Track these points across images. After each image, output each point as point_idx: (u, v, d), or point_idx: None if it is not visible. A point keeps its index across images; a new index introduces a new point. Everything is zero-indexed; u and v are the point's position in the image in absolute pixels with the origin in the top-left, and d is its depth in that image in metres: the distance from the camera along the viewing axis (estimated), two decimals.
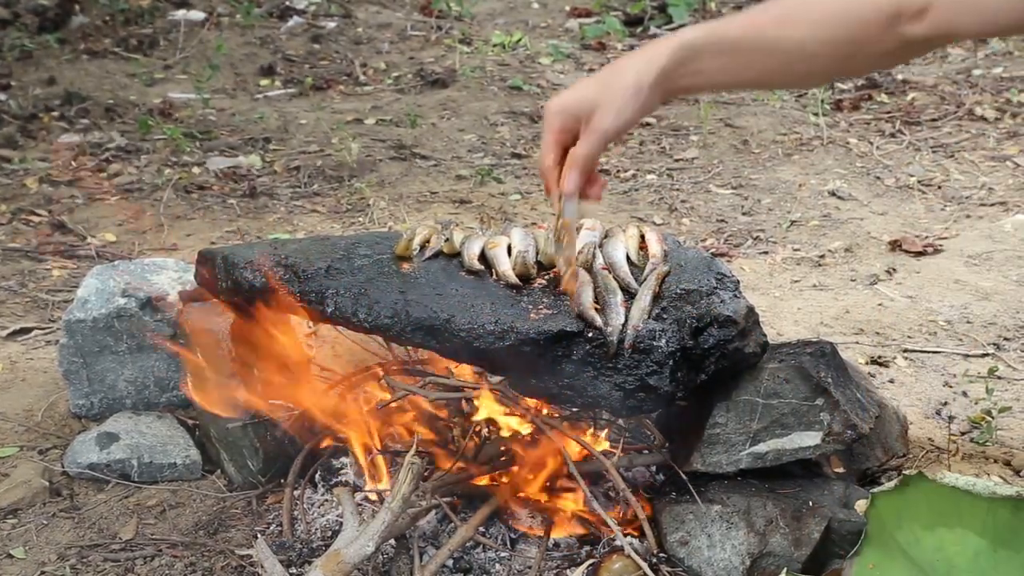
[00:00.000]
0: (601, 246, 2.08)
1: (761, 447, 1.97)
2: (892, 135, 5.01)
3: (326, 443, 2.29)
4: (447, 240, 2.09)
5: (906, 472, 1.62)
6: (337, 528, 2.03)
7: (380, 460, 2.20)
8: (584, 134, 1.58)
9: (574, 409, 2.14)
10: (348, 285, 1.96)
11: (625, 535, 1.94)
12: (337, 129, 5.11)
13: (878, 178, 4.47)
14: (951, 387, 2.73)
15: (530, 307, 1.88)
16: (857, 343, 2.99)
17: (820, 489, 1.99)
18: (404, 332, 1.88)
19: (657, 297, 1.91)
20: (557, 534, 2.02)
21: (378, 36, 7.00)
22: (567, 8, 7.74)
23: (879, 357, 2.89)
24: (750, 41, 1.45)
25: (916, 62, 6.24)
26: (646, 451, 2.20)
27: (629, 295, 1.91)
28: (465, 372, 2.27)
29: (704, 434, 1.98)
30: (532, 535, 2.03)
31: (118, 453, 2.30)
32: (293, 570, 1.91)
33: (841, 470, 2.10)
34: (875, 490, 1.64)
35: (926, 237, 3.78)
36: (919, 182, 4.37)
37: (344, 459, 2.26)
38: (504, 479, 2.11)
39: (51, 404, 2.54)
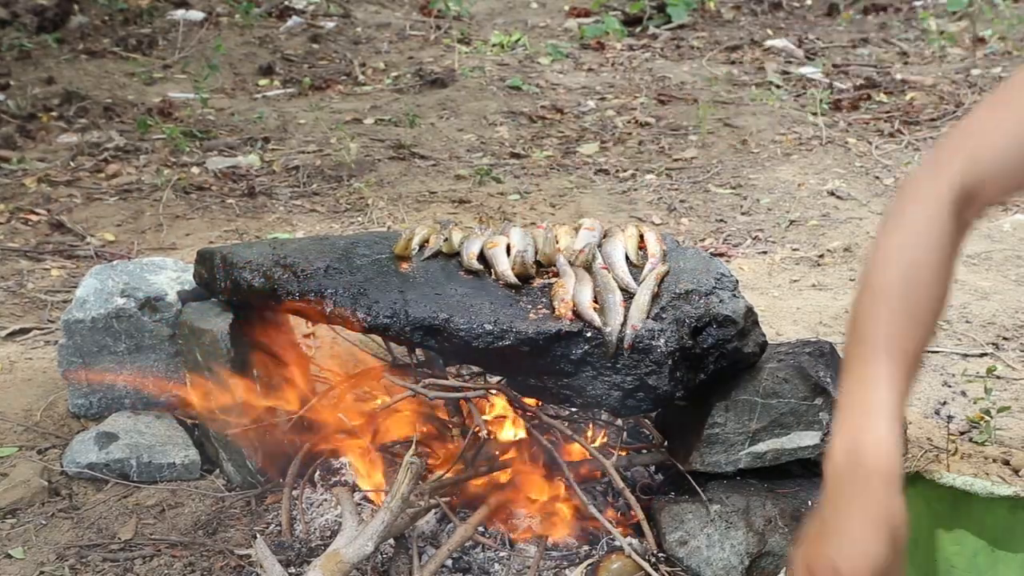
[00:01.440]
0: (600, 246, 2.08)
1: (760, 447, 1.97)
2: (891, 135, 5.01)
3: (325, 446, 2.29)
4: (446, 240, 2.09)
5: (904, 471, 1.62)
6: (336, 528, 2.03)
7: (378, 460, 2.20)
8: None
9: (573, 409, 2.14)
10: (347, 285, 1.96)
11: (624, 535, 1.94)
12: (336, 129, 5.11)
13: (877, 178, 4.47)
14: (950, 387, 2.73)
15: (529, 307, 1.89)
16: None
17: (819, 489, 1.98)
18: (403, 332, 1.88)
19: (656, 297, 1.91)
20: (556, 535, 2.02)
21: (377, 36, 7.00)
22: (566, 8, 7.74)
23: None
24: (908, 320, 1.32)
25: (915, 62, 6.25)
26: (645, 451, 2.20)
27: (628, 295, 1.91)
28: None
29: (703, 434, 1.98)
30: (530, 537, 2.03)
31: (117, 453, 2.30)
32: (292, 570, 1.91)
33: None
34: None
35: None
36: None
37: (344, 459, 2.26)
38: (503, 480, 2.11)
39: (50, 404, 2.53)
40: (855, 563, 1.19)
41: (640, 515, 1.96)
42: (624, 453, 2.22)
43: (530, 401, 2.09)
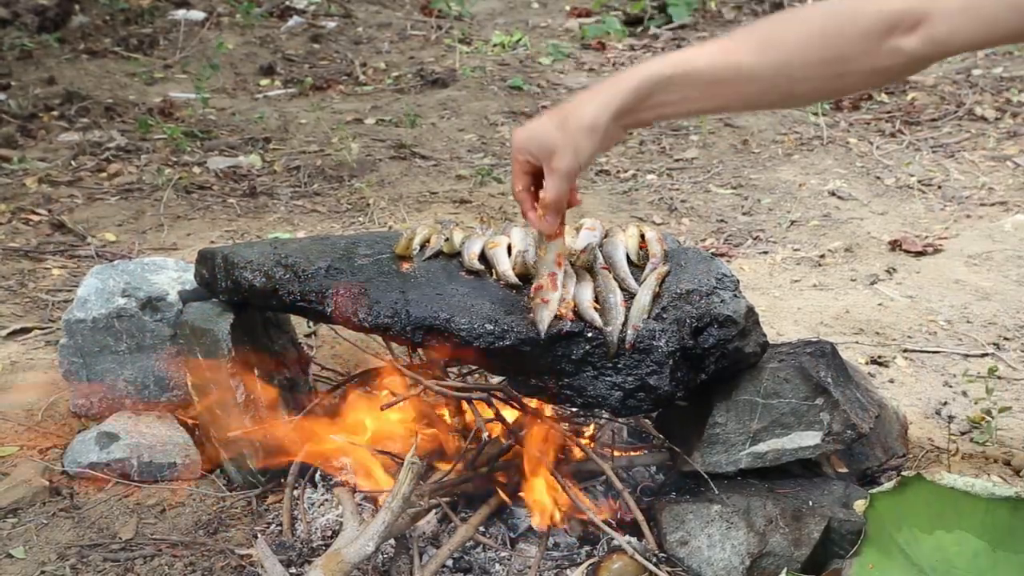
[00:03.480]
0: (601, 246, 2.08)
1: (761, 447, 1.97)
2: (892, 135, 5.01)
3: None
4: (447, 240, 2.09)
5: (905, 472, 1.62)
6: (337, 528, 2.03)
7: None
8: (548, 176, 1.57)
9: (574, 409, 2.14)
10: (348, 284, 1.96)
11: (624, 535, 1.94)
12: (337, 129, 5.11)
13: (878, 178, 4.47)
14: (951, 387, 2.73)
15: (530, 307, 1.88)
16: (857, 343, 2.99)
17: (820, 489, 1.99)
18: (404, 332, 1.88)
19: (657, 297, 1.91)
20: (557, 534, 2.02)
21: (378, 36, 7.00)
22: (567, 8, 7.74)
23: (879, 357, 2.90)
24: (722, 71, 1.37)
25: None
26: (645, 451, 2.20)
27: (629, 295, 1.91)
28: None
29: (704, 434, 1.99)
30: (532, 534, 2.03)
31: (118, 453, 2.30)
32: (293, 570, 1.91)
33: (841, 470, 2.10)
34: (875, 490, 1.64)
35: (926, 237, 3.78)
36: (919, 182, 4.37)
37: (344, 459, 2.26)
38: (503, 480, 2.11)
39: (51, 404, 2.54)
40: (528, 135, 1.56)
41: (638, 516, 1.96)
42: (624, 454, 2.22)
43: (530, 402, 2.10)
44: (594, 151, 1.51)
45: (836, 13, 1.34)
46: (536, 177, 1.63)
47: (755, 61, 1.35)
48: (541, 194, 1.62)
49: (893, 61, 1.31)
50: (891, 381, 2.77)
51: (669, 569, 1.87)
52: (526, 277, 1.96)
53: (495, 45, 6.76)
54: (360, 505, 2.08)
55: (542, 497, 2.05)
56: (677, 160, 4.79)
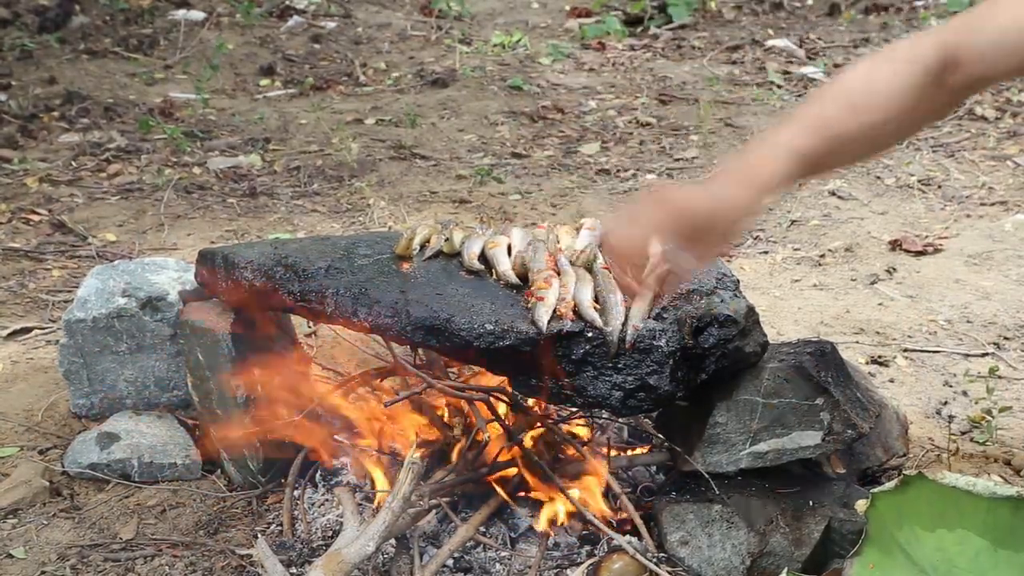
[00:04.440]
0: (601, 246, 2.08)
1: (761, 446, 1.97)
2: None
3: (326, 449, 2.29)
4: (447, 240, 2.09)
5: (906, 472, 1.62)
6: (337, 528, 2.03)
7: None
8: (690, 249, 1.54)
9: (574, 409, 2.13)
10: (348, 285, 1.96)
11: (624, 534, 1.94)
12: (337, 129, 5.11)
13: (878, 177, 4.47)
14: (951, 387, 2.73)
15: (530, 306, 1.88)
16: (857, 343, 2.99)
17: (820, 489, 1.99)
18: (404, 332, 1.88)
19: (657, 297, 1.91)
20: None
21: (378, 36, 7.00)
22: (567, 8, 7.74)
23: (879, 357, 2.89)
24: (828, 144, 1.47)
25: None
26: (645, 451, 2.20)
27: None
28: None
29: (704, 433, 1.98)
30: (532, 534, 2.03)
31: (118, 453, 2.30)
32: (293, 570, 1.91)
33: (841, 470, 2.10)
34: (875, 490, 1.64)
35: (926, 237, 3.78)
36: (919, 181, 4.37)
37: (344, 459, 2.26)
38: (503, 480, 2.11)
39: (51, 404, 2.54)
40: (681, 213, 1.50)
41: (635, 517, 1.96)
42: (622, 453, 2.22)
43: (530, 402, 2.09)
44: (734, 241, 1.60)
45: (896, 74, 1.47)
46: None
47: (850, 127, 1.47)
48: (672, 262, 1.57)
49: (946, 101, 1.46)
50: (891, 381, 2.77)
51: (670, 569, 1.87)
52: (526, 277, 1.96)
53: (495, 45, 6.76)
54: (360, 505, 2.08)
55: (543, 498, 2.05)
56: (677, 160, 4.79)
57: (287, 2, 7.33)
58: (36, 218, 4.00)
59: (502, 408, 2.12)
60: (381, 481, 2.15)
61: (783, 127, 1.50)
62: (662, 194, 1.54)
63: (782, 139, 1.48)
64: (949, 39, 1.42)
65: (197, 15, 6.88)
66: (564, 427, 2.20)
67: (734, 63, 6.42)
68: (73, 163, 4.63)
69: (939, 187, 4.32)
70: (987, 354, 2.91)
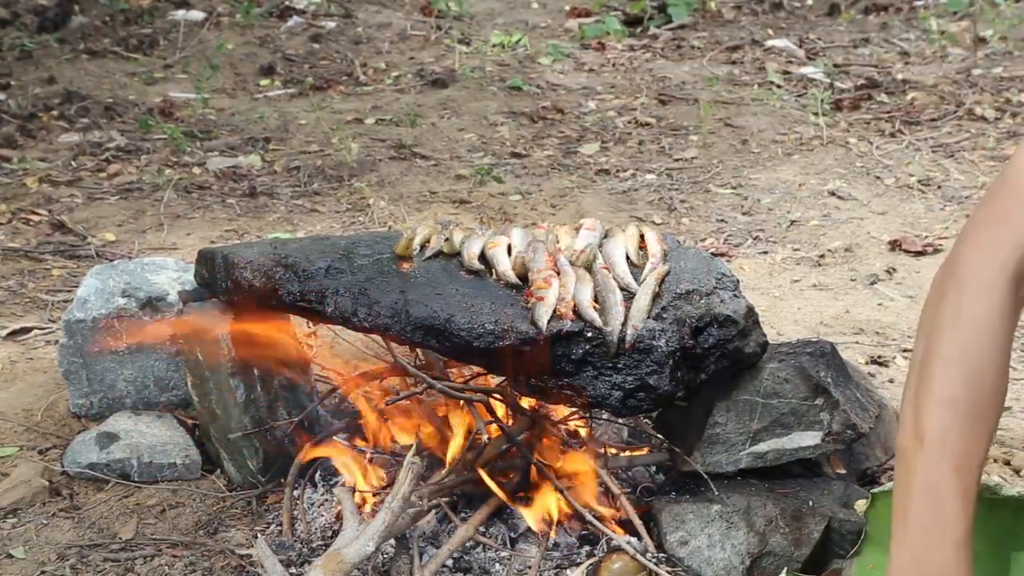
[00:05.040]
0: (601, 246, 2.08)
1: (761, 447, 1.97)
2: (892, 135, 5.01)
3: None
4: (447, 240, 2.09)
5: None
6: (337, 528, 2.03)
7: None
8: None
9: (574, 409, 2.13)
10: (348, 285, 1.96)
11: (624, 535, 1.94)
12: (337, 129, 5.10)
13: (878, 178, 4.47)
14: None
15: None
16: (857, 343, 2.99)
17: (820, 489, 1.99)
18: (404, 332, 1.88)
19: (657, 297, 1.91)
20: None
21: (378, 36, 7.00)
22: (566, 8, 7.74)
23: (879, 357, 2.89)
24: (969, 440, 1.26)
25: (916, 62, 6.25)
26: (645, 451, 2.20)
27: (629, 295, 1.91)
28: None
29: (704, 434, 1.98)
30: (532, 535, 2.03)
31: (118, 453, 2.30)
32: (293, 570, 1.91)
33: (841, 470, 2.10)
34: (875, 490, 1.64)
35: (926, 237, 3.78)
36: (919, 182, 4.37)
37: (345, 459, 2.26)
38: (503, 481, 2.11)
39: (51, 404, 2.53)
40: None
41: (634, 518, 1.96)
42: (620, 452, 2.22)
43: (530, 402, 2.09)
44: None
45: (982, 318, 1.27)
46: None
47: (973, 406, 1.27)
48: None
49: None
50: (891, 381, 2.77)
51: (669, 569, 1.87)
52: (526, 277, 1.96)
53: (495, 45, 6.76)
54: (359, 505, 2.08)
55: (541, 499, 2.05)
56: (677, 160, 4.79)
57: (287, 2, 7.33)
58: (36, 218, 4.00)
59: (500, 409, 2.13)
60: (362, 481, 2.15)
61: (917, 445, 1.27)
62: None
63: (936, 462, 1.25)
64: (1009, 258, 1.25)
65: (197, 15, 6.87)
66: (563, 427, 2.20)
67: (734, 63, 6.42)
68: (73, 163, 4.62)
69: (939, 187, 4.32)
70: None
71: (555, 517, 2.02)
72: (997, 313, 1.26)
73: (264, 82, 6.05)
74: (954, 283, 1.28)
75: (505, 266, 1.99)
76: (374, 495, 2.12)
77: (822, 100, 5.33)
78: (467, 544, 1.96)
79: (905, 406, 1.30)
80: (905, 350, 2.94)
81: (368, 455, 2.22)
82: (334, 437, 2.28)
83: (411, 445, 2.00)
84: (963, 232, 1.32)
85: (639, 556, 1.86)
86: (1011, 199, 1.28)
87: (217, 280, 2.15)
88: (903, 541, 1.25)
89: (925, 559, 1.24)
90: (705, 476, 1.97)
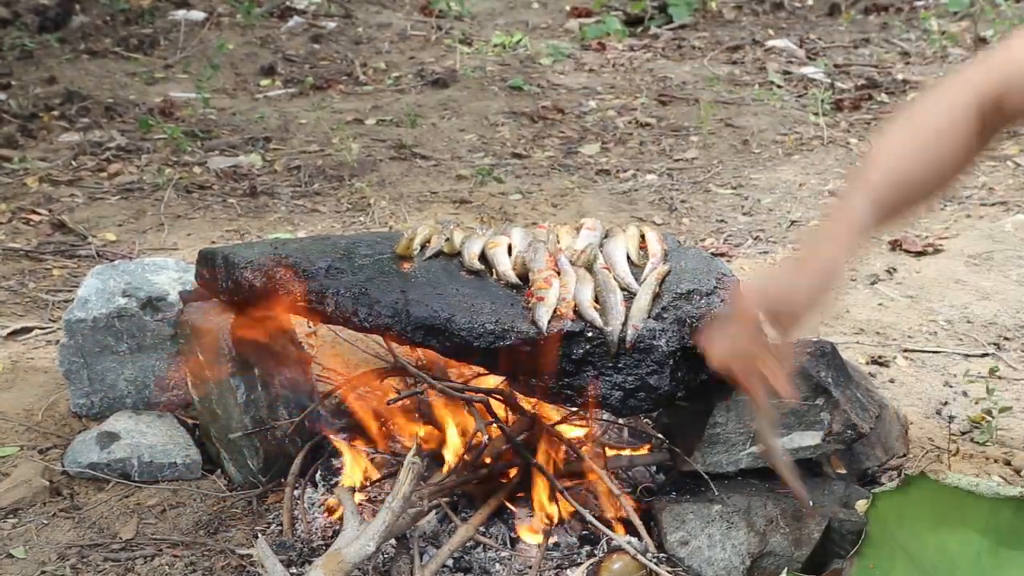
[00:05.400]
0: (601, 246, 2.08)
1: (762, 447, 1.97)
2: None
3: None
4: (447, 240, 2.09)
5: (907, 472, 1.62)
6: (337, 528, 2.03)
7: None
8: (779, 336, 1.63)
9: (574, 408, 2.13)
10: (349, 284, 1.96)
11: (625, 534, 1.94)
12: (337, 129, 5.11)
13: None
14: (951, 387, 2.73)
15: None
16: (857, 343, 2.99)
17: (820, 489, 1.98)
18: (405, 331, 1.88)
19: (657, 296, 1.91)
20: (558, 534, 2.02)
21: (378, 36, 7.00)
22: (567, 8, 7.74)
23: (879, 357, 2.89)
24: (897, 194, 1.54)
25: (916, 62, 6.25)
26: (646, 451, 2.20)
27: (629, 295, 1.91)
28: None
29: (704, 434, 1.98)
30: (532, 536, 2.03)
31: (118, 453, 2.30)
32: (293, 569, 1.91)
33: (842, 470, 2.10)
34: (877, 490, 1.64)
35: (926, 237, 3.78)
36: None
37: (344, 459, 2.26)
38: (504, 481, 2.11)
39: (51, 404, 2.53)
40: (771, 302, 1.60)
41: (634, 519, 1.95)
42: (621, 452, 2.22)
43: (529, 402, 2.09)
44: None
45: (952, 119, 1.51)
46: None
47: (915, 175, 1.54)
48: (777, 369, 1.67)
49: (992, 135, 1.52)
50: (891, 381, 2.77)
51: (669, 569, 1.87)
52: (526, 277, 1.96)
53: (495, 45, 6.76)
54: (360, 505, 2.08)
55: (541, 499, 2.05)
56: (677, 160, 4.79)
57: (287, 2, 7.33)
58: (36, 218, 4.00)
59: (500, 409, 2.13)
60: (349, 479, 2.15)
61: (854, 183, 1.56)
62: (740, 308, 1.65)
63: (859, 201, 1.53)
64: (991, 77, 1.46)
65: (197, 15, 6.88)
66: (563, 427, 2.20)
67: (734, 63, 6.42)
68: (73, 163, 4.62)
69: None
70: (987, 354, 2.91)
71: (555, 517, 2.02)
72: (959, 107, 1.47)
73: (265, 82, 6.06)
74: (936, 85, 1.54)
75: (506, 266, 1.99)
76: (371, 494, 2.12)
77: (822, 100, 5.33)
78: (467, 544, 1.96)
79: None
80: (905, 350, 2.94)
81: (369, 455, 2.22)
82: (334, 437, 2.28)
83: (411, 445, 2.00)
84: None
85: (639, 556, 1.86)
86: (1003, 49, 1.49)
87: (218, 280, 2.15)
88: (803, 248, 1.65)
89: (799, 278, 1.57)
90: (705, 476, 1.97)
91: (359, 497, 2.10)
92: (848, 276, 1.60)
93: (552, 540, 2.00)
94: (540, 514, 2.03)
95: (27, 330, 3.04)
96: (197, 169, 4.60)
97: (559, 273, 1.96)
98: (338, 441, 2.24)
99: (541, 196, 4.31)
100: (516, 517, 2.06)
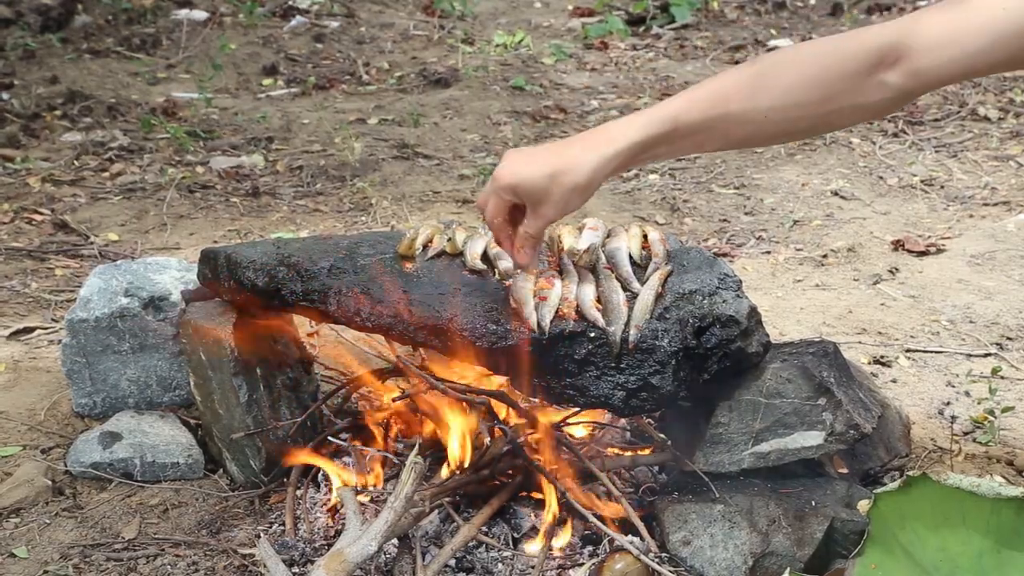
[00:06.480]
0: (604, 246, 2.08)
1: (763, 447, 1.97)
2: (895, 135, 5.00)
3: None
4: (450, 239, 2.09)
5: (909, 472, 1.62)
6: (340, 528, 2.03)
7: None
8: (530, 216, 1.63)
9: (576, 409, 2.13)
10: (351, 284, 1.96)
11: (627, 535, 1.94)
12: (340, 128, 5.11)
13: (881, 178, 4.47)
14: (954, 387, 2.73)
15: None
16: (860, 343, 2.99)
17: (823, 489, 1.98)
18: (407, 331, 1.88)
19: (660, 297, 1.91)
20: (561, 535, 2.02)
21: (381, 36, 7.00)
22: (569, 7, 7.74)
23: (882, 357, 2.89)
24: (714, 120, 1.44)
25: None
26: (648, 451, 2.20)
27: (631, 295, 1.91)
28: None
29: (707, 434, 1.98)
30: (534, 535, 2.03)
31: (121, 452, 2.30)
32: (296, 569, 1.91)
33: (844, 470, 2.10)
34: (879, 490, 1.64)
35: (929, 237, 3.78)
36: (922, 182, 4.37)
37: (347, 459, 2.26)
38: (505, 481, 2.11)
39: (54, 403, 2.54)
40: (517, 177, 1.58)
41: (635, 519, 1.95)
42: (624, 452, 2.22)
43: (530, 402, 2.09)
44: (581, 204, 1.60)
45: (822, 54, 1.42)
46: (513, 209, 1.66)
47: (747, 107, 1.41)
48: (520, 229, 1.66)
49: (880, 96, 1.37)
50: (894, 381, 2.76)
51: (672, 569, 1.87)
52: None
53: (497, 45, 6.76)
54: (363, 505, 2.08)
55: (543, 500, 2.05)
56: (679, 160, 4.79)
57: (290, 2, 7.34)
58: (39, 218, 4.00)
59: (503, 410, 2.12)
60: (337, 480, 2.15)
61: (681, 93, 1.49)
62: (507, 160, 1.60)
63: (666, 105, 1.47)
64: (887, 33, 1.35)
65: (200, 15, 6.88)
66: (565, 428, 2.20)
67: (737, 63, 6.42)
68: (75, 162, 4.63)
69: (942, 187, 4.32)
70: (990, 354, 2.91)
71: (553, 515, 2.02)
72: (833, 50, 1.37)
73: (267, 82, 6.06)
74: (834, 36, 1.44)
75: (508, 265, 1.99)
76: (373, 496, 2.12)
77: None
78: (470, 544, 1.96)
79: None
80: (908, 350, 2.94)
81: (369, 455, 2.22)
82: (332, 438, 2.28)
83: (413, 445, 2.00)
84: None
85: (642, 556, 1.86)
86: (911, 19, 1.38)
87: (220, 280, 2.15)
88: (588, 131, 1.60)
89: (566, 154, 1.55)
90: (705, 478, 1.96)
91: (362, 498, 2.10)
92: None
93: (554, 540, 2.00)
94: (542, 514, 2.03)
95: (29, 330, 3.04)
96: (199, 169, 4.60)
97: (561, 273, 1.96)
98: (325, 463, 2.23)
99: None
100: (518, 517, 2.06)
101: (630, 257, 2.04)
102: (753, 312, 1.97)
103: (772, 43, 6.70)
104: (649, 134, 1.48)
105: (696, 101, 1.45)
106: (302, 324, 2.60)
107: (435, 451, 2.18)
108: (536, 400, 2.08)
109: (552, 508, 2.01)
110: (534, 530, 2.03)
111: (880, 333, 3.06)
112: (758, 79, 1.41)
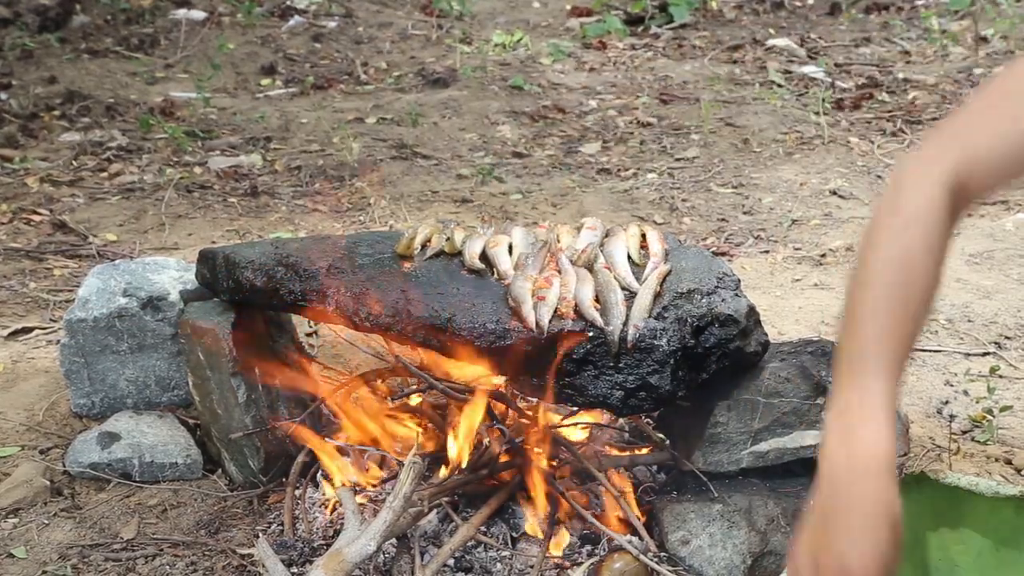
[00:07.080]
0: (602, 245, 2.08)
1: (762, 446, 1.97)
2: (893, 134, 5.00)
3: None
4: (448, 239, 2.09)
5: (907, 471, 1.62)
6: (338, 527, 2.03)
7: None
8: None
9: (575, 408, 2.13)
10: (349, 284, 1.96)
11: (625, 534, 1.94)
12: (338, 128, 5.11)
13: (879, 177, 4.46)
14: (952, 386, 2.73)
15: None
16: None
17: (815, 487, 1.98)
18: (405, 331, 1.88)
19: (658, 296, 1.91)
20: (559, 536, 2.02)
21: (379, 36, 7.00)
22: (568, 7, 7.74)
23: None
24: (909, 344, 1.31)
25: (917, 61, 6.24)
26: (647, 451, 2.20)
27: (630, 294, 1.91)
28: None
29: (705, 433, 1.98)
30: (533, 535, 2.03)
31: (119, 452, 2.30)
32: (294, 569, 1.91)
33: None
34: None
35: None
36: None
37: (346, 459, 2.26)
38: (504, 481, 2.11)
39: (52, 404, 2.53)
40: (864, 558, 1.23)
41: (634, 520, 1.95)
42: (623, 453, 2.22)
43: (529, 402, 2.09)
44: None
45: (911, 223, 1.34)
46: None
47: (919, 306, 1.34)
48: None
49: (964, 215, 1.38)
50: None
51: (670, 568, 1.87)
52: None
53: (496, 45, 6.76)
54: (361, 505, 2.08)
55: (542, 500, 2.05)
56: (678, 159, 4.79)
57: (288, 2, 7.33)
58: (37, 218, 4.00)
59: (501, 409, 2.12)
60: (337, 480, 2.15)
61: (846, 332, 1.32)
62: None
63: (860, 344, 1.29)
64: (950, 169, 1.31)
65: (198, 14, 6.87)
66: (564, 428, 2.20)
67: (735, 62, 6.42)
68: (74, 163, 4.62)
69: None
70: (988, 353, 2.91)
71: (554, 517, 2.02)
72: (932, 210, 1.32)
73: (265, 81, 6.06)
74: (898, 183, 1.36)
75: (507, 265, 1.99)
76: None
77: (823, 99, 5.33)
78: (468, 543, 1.96)
79: (845, 297, 1.37)
80: None
81: (368, 455, 2.22)
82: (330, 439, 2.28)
83: (412, 445, 2.00)
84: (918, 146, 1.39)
85: (640, 555, 1.86)
86: (961, 119, 1.37)
87: (218, 280, 2.15)
88: (834, 418, 1.27)
89: (855, 435, 1.28)
90: (703, 477, 1.96)
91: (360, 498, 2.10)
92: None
93: (553, 540, 2.00)
94: (540, 514, 2.03)
95: (28, 330, 3.04)
96: (198, 169, 4.60)
97: (560, 273, 1.95)
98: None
99: (542, 195, 4.31)
100: (517, 517, 2.06)
101: (628, 256, 2.04)
102: (752, 311, 1.97)
103: (770, 42, 6.70)
104: (894, 387, 1.29)
105: (878, 314, 1.33)
106: (301, 323, 2.60)
107: (434, 451, 2.18)
108: (535, 399, 2.07)
109: (551, 508, 2.01)
110: (533, 530, 2.03)
111: None
112: (895, 268, 1.36)
